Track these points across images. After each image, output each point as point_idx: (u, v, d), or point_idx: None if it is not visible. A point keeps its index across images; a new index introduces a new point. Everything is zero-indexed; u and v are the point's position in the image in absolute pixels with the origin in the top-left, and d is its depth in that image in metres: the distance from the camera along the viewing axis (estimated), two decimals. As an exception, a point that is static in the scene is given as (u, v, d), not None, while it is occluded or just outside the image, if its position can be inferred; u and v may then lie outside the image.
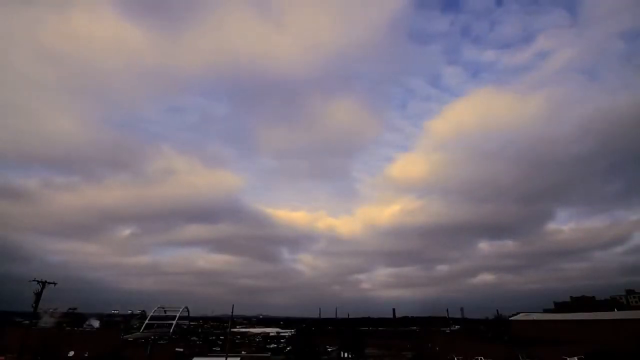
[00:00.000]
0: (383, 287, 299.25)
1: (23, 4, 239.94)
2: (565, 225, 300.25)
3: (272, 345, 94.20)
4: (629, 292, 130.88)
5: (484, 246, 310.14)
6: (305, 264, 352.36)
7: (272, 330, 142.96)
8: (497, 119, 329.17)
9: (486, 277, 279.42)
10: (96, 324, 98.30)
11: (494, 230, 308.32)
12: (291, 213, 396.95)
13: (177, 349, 69.49)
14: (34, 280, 38.50)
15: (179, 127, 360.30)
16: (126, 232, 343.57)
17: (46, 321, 78.73)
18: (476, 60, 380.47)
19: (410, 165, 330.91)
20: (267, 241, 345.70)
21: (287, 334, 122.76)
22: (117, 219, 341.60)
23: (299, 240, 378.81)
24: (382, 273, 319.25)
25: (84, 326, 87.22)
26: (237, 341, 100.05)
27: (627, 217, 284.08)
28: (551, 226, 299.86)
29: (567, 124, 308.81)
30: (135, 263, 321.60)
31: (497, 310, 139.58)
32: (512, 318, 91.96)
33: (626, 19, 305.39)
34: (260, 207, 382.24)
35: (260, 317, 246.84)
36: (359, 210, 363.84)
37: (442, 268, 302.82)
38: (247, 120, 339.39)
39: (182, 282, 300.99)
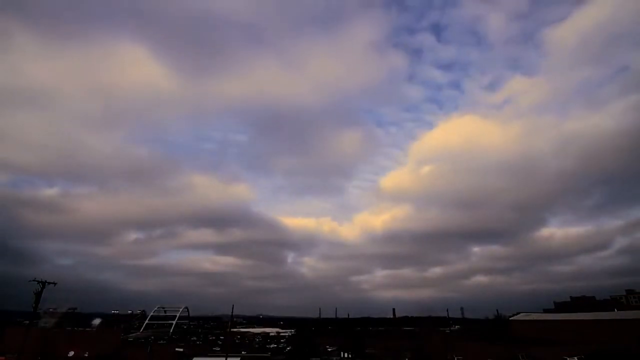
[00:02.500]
0: (382, 288, 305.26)
1: (83, 49, 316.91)
2: (554, 231, 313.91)
3: (272, 345, 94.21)
4: (629, 292, 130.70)
5: (477, 250, 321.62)
6: (307, 266, 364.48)
7: (272, 330, 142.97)
8: (479, 140, 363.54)
9: (483, 279, 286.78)
10: (97, 321, 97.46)
11: (484, 235, 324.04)
12: (296, 220, 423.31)
13: (177, 349, 69.56)
14: (33, 280, 38.45)
15: (201, 150, 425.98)
16: (137, 236, 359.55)
17: (46, 321, 78.62)
18: (457, 94, 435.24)
19: (402, 178, 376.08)
20: (271, 245, 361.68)
21: (287, 334, 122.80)
22: (132, 225, 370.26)
23: (302, 244, 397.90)
24: (381, 275, 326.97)
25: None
26: (237, 341, 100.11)
27: (610, 225, 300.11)
28: (542, 232, 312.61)
29: (547, 145, 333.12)
30: (143, 265, 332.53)
31: (497, 310, 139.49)
32: (512, 318, 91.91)
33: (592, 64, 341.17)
34: (268, 216, 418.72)
35: (261, 317, 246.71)
36: (358, 218, 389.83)
37: (440, 270, 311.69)
38: (263, 146, 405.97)
39: (186, 283, 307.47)
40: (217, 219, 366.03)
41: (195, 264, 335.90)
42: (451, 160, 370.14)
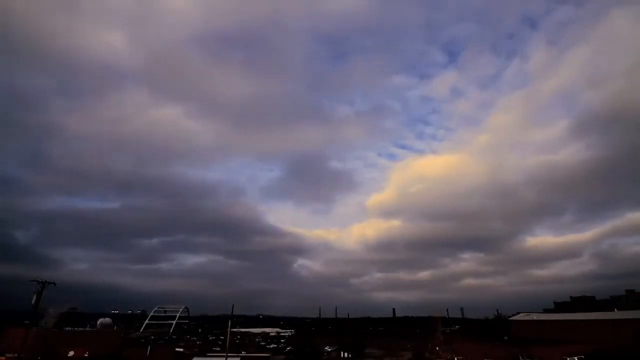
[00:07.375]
0: (381, 290, 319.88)
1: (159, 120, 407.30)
2: (535, 240, 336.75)
3: (272, 345, 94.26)
4: (629, 292, 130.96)
5: (466, 256, 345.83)
6: (309, 269, 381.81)
7: (272, 330, 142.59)
8: (459, 167, 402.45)
9: (473, 281, 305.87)
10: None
11: (473, 244, 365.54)
12: (302, 230, 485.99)
13: (177, 349, 69.55)
14: (34, 280, 38.51)
15: (232, 182, 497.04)
16: (149, 242, 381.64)
17: (46, 321, 78.48)
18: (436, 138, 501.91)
19: (391, 196, 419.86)
20: (276, 251, 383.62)
21: (287, 334, 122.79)
22: (147, 234, 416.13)
23: (304, 250, 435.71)
24: (378, 277, 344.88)
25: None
26: (237, 341, 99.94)
27: (581, 236, 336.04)
28: (525, 242, 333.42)
29: (519, 174, 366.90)
30: (149, 268, 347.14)
31: (497, 310, 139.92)
32: (512, 318, 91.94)
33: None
34: (277, 226, 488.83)
35: (261, 317, 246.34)
36: (356, 229, 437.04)
37: (432, 273, 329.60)
38: (288, 181, 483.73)
39: (188, 284, 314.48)
40: (231, 230, 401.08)
41: (202, 266, 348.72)
42: (434, 183, 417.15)
